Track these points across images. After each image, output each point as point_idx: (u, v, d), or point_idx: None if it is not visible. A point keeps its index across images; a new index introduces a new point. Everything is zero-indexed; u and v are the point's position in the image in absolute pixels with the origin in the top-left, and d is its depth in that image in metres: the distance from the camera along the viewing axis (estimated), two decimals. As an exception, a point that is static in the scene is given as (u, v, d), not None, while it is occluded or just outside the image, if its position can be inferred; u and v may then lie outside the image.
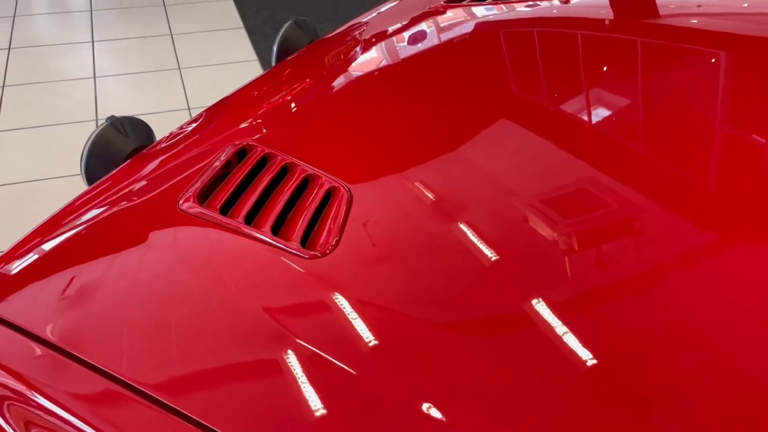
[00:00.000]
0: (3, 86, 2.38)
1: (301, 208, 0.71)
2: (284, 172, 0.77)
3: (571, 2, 1.11)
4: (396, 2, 1.30)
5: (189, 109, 2.34)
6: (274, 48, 1.35)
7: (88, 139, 1.04)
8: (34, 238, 0.80)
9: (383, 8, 1.29)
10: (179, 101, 2.37)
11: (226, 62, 2.62)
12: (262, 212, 0.71)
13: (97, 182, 0.90)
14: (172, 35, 2.76)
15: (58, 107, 2.29)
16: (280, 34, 1.35)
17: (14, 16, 2.82)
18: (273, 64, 1.34)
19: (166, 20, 2.87)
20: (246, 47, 2.72)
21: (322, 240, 0.65)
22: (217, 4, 3.03)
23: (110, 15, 2.88)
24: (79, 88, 2.40)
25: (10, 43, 2.64)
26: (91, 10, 2.91)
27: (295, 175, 0.75)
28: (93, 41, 2.69)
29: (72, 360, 0.57)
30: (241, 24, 2.89)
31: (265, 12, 2.98)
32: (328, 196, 0.71)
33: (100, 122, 2.24)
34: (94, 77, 2.47)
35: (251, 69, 2.59)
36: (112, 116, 1.06)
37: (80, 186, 2.03)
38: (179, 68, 2.56)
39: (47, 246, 0.78)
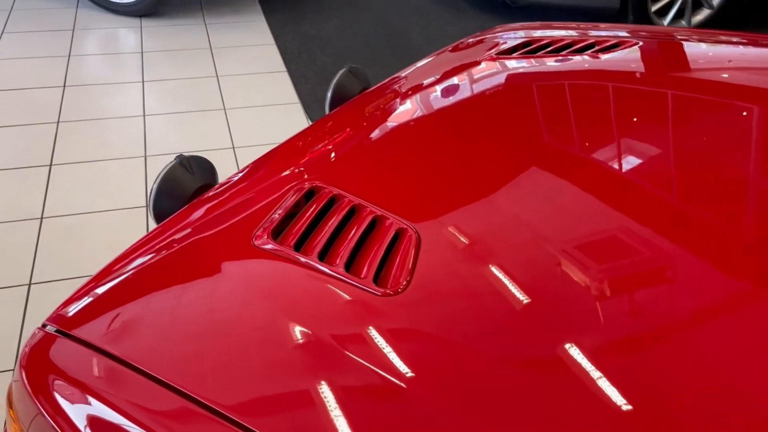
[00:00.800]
0: (58, 122, 2.50)
1: (371, 247, 0.75)
2: (351, 212, 0.82)
3: (604, 57, 1.15)
4: (446, 52, 1.37)
5: (233, 148, 2.42)
6: (329, 93, 1.41)
7: (157, 176, 1.10)
8: (115, 266, 0.86)
9: (433, 57, 1.35)
10: (224, 140, 2.46)
11: (269, 104, 2.71)
12: (333, 250, 0.76)
13: (172, 217, 0.96)
14: (218, 77, 2.88)
15: (109, 143, 2.40)
16: (335, 80, 1.42)
17: (69, 56, 2.97)
18: (327, 108, 1.40)
19: (213, 63, 2.99)
20: (288, 90, 2.82)
21: (393, 278, 0.69)
22: (261, 48, 3.15)
23: (160, 56, 3.01)
24: (129, 126, 2.51)
25: (65, 81, 2.77)
26: (142, 52, 3.04)
27: (363, 216, 0.80)
28: (143, 81, 2.81)
29: (152, 381, 0.62)
30: (283, 68, 3.00)
31: (306, 57, 3.09)
32: (396, 237, 0.75)
33: (148, 158, 2.33)
34: (144, 115, 2.58)
35: (293, 111, 2.68)
36: (180, 155, 1.13)
37: (129, 218, 2.13)
38: (224, 108, 2.66)
39: (126, 275, 0.84)
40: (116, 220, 2.04)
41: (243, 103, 2.70)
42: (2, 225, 2.00)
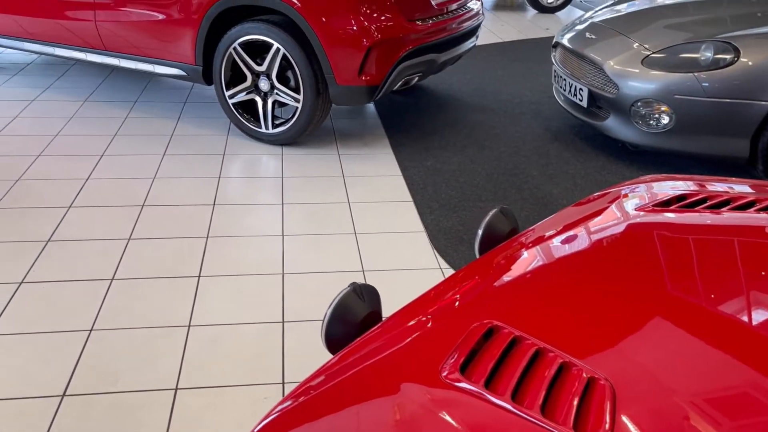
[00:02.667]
0: (207, 236, 2.74)
1: (563, 393, 0.78)
2: (536, 354, 0.86)
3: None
4: (598, 200, 1.43)
5: (363, 271, 2.54)
6: (479, 232, 1.49)
7: (331, 302, 1.19)
8: (302, 390, 0.93)
9: (588, 203, 1.41)
10: (354, 263, 2.60)
11: (396, 231, 2.85)
12: (524, 392, 0.79)
13: (353, 344, 1.04)
14: (349, 203, 3.08)
15: (251, 259, 2.59)
16: (486, 220, 1.50)
17: (219, 177, 3.29)
18: (477, 245, 1.47)
19: (345, 190, 3.22)
20: (414, 219, 2.97)
21: (592, 428, 0.72)
22: (389, 179, 3.36)
23: (298, 182, 3.28)
24: (269, 244, 2.71)
25: (215, 199, 3.06)
26: (283, 177, 3.33)
27: (549, 360, 0.84)
28: (283, 203, 3.05)
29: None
30: (409, 198, 3.17)
31: (431, 189, 3.26)
32: (588, 384, 0.78)
33: (286, 275, 2.49)
34: (282, 235, 2.78)
35: (419, 239, 2.80)
36: (354, 282, 1.22)
37: (266, 332, 2.24)
38: (355, 233, 2.82)
39: (314, 401, 0.90)
40: (255, 333, 2.17)
41: (372, 229, 2.86)
42: (153, 330, 2.17)
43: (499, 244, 1.42)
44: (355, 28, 3.27)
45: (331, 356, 1.20)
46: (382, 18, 3.33)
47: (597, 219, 1.29)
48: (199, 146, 3.66)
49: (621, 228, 1.22)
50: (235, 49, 3.54)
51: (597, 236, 1.21)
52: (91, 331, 2.15)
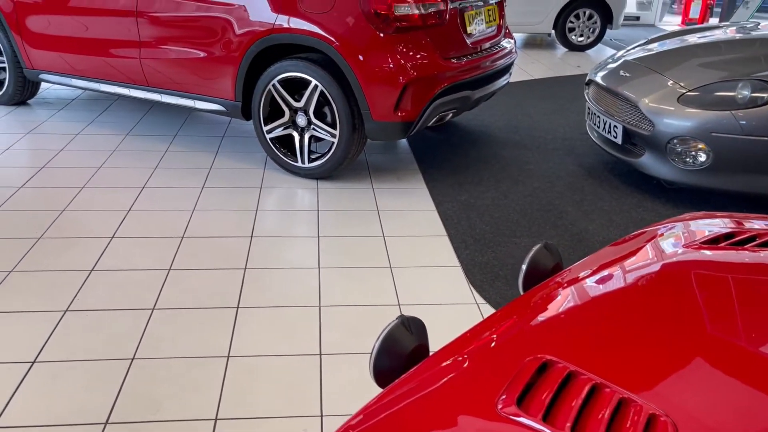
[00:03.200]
0: (245, 268, 2.78)
1: (624, 430, 0.78)
2: (592, 389, 0.86)
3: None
4: (642, 235, 1.43)
5: (399, 305, 2.55)
6: (523, 266, 1.49)
7: (380, 334, 1.20)
8: (359, 419, 0.94)
9: (632, 240, 1.41)
10: (390, 297, 2.61)
11: (431, 265, 2.86)
12: (584, 426, 0.80)
13: (404, 376, 1.05)
14: (384, 237, 3.11)
15: (288, 291, 2.62)
16: (530, 255, 1.51)
17: (257, 210, 3.35)
18: (520, 281, 1.48)
19: (379, 223, 3.25)
20: (449, 253, 2.98)
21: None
22: (423, 213, 3.39)
23: (333, 215, 3.32)
24: (306, 276, 2.74)
25: (253, 232, 3.11)
26: (318, 210, 3.38)
27: (606, 395, 0.84)
28: (318, 236, 3.09)
29: None
30: (444, 232, 3.18)
31: (465, 224, 3.27)
32: (650, 421, 0.78)
33: (322, 308, 2.51)
34: (318, 267, 2.81)
35: (454, 273, 2.80)
36: (402, 315, 1.23)
37: (304, 364, 2.25)
38: (390, 266, 2.84)
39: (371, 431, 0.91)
40: (293, 364, 2.18)
41: (407, 263, 2.88)
42: (193, 359, 2.20)
43: (543, 279, 1.42)
44: (391, 66, 3.35)
45: (378, 389, 1.21)
46: (418, 56, 3.40)
47: (646, 255, 1.29)
48: (237, 179, 3.74)
49: (671, 265, 1.22)
50: (274, 85, 3.64)
51: (647, 272, 1.21)
52: (133, 359, 2.19)
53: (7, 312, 2.42)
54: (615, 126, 3.66)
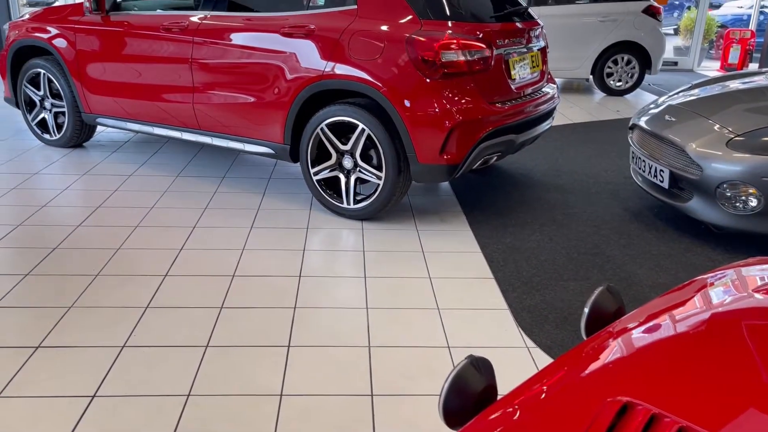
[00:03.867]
0: (294, 308, 2.82)
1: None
2: (679, 433, 0.86)
3: None
4: (708, 277, 1.42)
5: (449, 347, 2.55)
6: (586, 310, 1.49)
7: (449, 374, 1.21)
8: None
9: (698, 282, 1.41)
10: (439, 338, 2.61)
11: (479, 308, 2.86)
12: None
13: (479, 419, 1.06)
14: (430, 278, 3.12)
15: (337, 331, 2.64)
16: (593, 298, 1.51)
17: (303, 250, 3.41)
18: (582, 325, 1.48)
19: (425, 265, 3.27)
20: (496, 296, 2.97)
21: None
22: (469, 255, 3.40)
23: (379, 256, 3.36)
24: (354, 316, 2.76)
25: (301, 271, 3.16)
26: (364, 251, 3.42)
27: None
28: (365, 276, 3.12)
29: None
30: (490, 275, 3.19)
31: (512, 266, 3.27)
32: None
33: (372, 348, 2.52)
34: (366, 308, 2.83)
35: (503, 317, 2.79)
36: (471, 355, 1.25)
37: (354, 405, 2.26)
38: (438, 308, 2.84)
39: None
40: (345, 404, 2.19)
41: (454, 305, 2.88)
42: (247, 397, 2.22)
43: (606, 322, 1.42)
44: (437, 110, 3.42)
45: (449, 429, 1.22)
46: (464, 101, 3.46)
47: (716, 297, 1.29)
48: (284, 220, 3.82)
49: (743, 308, 1.22)
50: (322, 129, 3.74)
51: (719, 314, 1.20)
52: (188, 396, 2.22)
53: (67, 347, 2.50)
54: (661, 170, 3.64)
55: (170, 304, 2.83)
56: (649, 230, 3.77)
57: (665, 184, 3.64)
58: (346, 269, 3.21)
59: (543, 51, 4.21)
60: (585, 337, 1.41)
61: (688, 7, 12.77)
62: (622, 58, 8.08)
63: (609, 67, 8.12)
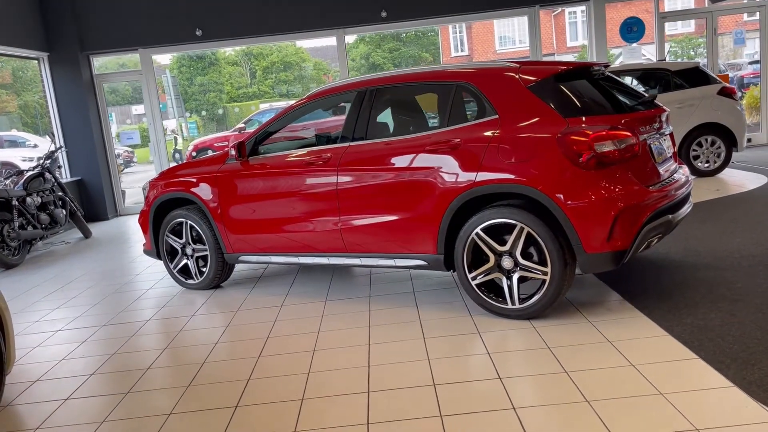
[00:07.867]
0: (514, 408, 2.76)
1: None
2: None
3: None
4: None
5: (697, 431, 2.44)
6: None
7: None
8: None
9: None
10: (680, 423, 2.50)
11: (703, 388, 2.75)
12: None
13: None
14: (634, 366, 3.04)
15: (563, 429, 2.56)
16: None
17: (488, 353, 3.38)
18: None
19: (619, 353, 3.19)
20: (712, 374, 2.86)
21: None
22: (658, 339, 3.32)
23: (567, 350, 3.31)
24: (576, 411, 2.68)
25: (497, 373, 3.12)
26: (548, 347, 3.37)
27: None
28: (566, 371, 3.06)
29: None
30: (693, 355, 3.09)
31: (711, 344, 3.17)
32: None
33: (619, 439, 2.43)
34: (587, 401, 2.76)
35: (731, 394, 2.67)
36: None
37: None
38: (660, 393, 2.75)
39: None
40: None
41: (675, 389, 2.78)
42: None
43: None
44: (600, 199, 3.50)
45: None
46: (624, 187, 3.54)
47: None
48: (451, 327, 3.83)
49: None
50: (477, 234, 3.84)
51: None
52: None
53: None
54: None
55: (314, 427, 2.81)
56: (832, 294, 3.64)
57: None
58: (543, 366, 3.16)
59: (671, 135, 4.33)
60: None
61: (747, 86, 12.98)
62: (706, 140, 8.17)
63: (694, 150, 8.19)
